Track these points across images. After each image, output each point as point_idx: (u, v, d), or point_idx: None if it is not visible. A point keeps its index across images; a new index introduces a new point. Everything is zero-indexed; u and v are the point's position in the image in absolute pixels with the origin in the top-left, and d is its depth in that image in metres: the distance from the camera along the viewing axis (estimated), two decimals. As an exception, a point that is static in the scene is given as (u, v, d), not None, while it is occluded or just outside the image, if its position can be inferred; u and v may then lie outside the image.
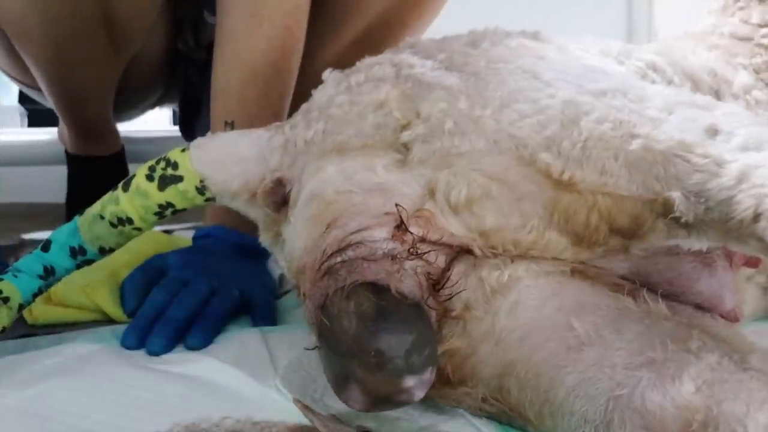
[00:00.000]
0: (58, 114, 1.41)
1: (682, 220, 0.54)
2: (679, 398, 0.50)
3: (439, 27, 1.27)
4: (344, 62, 1.18)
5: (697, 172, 0.53)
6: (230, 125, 0.94)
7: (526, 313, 0.57)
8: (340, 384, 0.55)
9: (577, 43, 0.76)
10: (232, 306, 0.84)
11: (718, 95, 0.83)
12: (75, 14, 1.12)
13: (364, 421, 0.58)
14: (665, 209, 0.55)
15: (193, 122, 1.44)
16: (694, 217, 0.53)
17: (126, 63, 1.28)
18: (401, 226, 0.58)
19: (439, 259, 0.59)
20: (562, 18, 2.32)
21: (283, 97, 0.99)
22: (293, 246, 0.65)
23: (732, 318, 0.62)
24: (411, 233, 0.58)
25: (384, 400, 0.54)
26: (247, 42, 0.97)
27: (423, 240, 0.59)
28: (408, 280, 0.56)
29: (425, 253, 0.58)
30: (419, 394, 0.54)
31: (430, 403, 0.61)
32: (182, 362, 0.72)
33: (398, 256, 0.57)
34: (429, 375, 0.54)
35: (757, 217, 0.50)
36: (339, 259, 0.58)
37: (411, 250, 0.58)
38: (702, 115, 0.58)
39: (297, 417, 0.59)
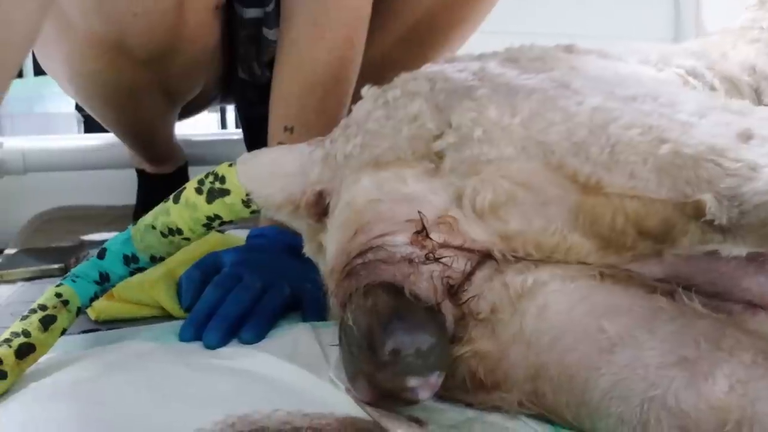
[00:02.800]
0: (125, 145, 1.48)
1: (716, 224, 0.53)
2: (712, 397, 0.50)
3: (486, 28, 1.27)
4: (389, 60, 1.19)
5: (730, 176, 0.53)
6: (290, 130, 0.99)
7: (556, 317, 0.57)
8: (352, 376, 0.58)
9: (614, 53, 0.75)
10: (283, 302, 0.86)
11: (758, 93, 0.82)
12: (133, 86, 1.17)
13: (414, 411, 0.59)
14: (697, 212, 0.54)
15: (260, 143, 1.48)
16: (728, 221, 0.53)
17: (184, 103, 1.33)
18: (422, 232, 0.60)
19: (459, 264, 0.60)
20: (610, 16, 2.31)
21: (340, 105, 1.02)
22: (328, 251, 0.67)
23: None
24: (430, 239, 0.60)
25: (389, 396, 0.56)
26: (309, 52, 1.00)
27: (444, 245, 0.60)
28: (423, 284, 0.58)
29: (442, 257, 0.59)
30: (424, 395, 0.55)
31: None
32: (237, 357, 0.73)
33: (415, 259, 0.59)
34: (435, 378, 0.55)
35: None
36: (360, 261, 0.60)
37: (429, 254, 0.59)
38: (735, 119, 0.58)
39: (347, 409, 0.60)
